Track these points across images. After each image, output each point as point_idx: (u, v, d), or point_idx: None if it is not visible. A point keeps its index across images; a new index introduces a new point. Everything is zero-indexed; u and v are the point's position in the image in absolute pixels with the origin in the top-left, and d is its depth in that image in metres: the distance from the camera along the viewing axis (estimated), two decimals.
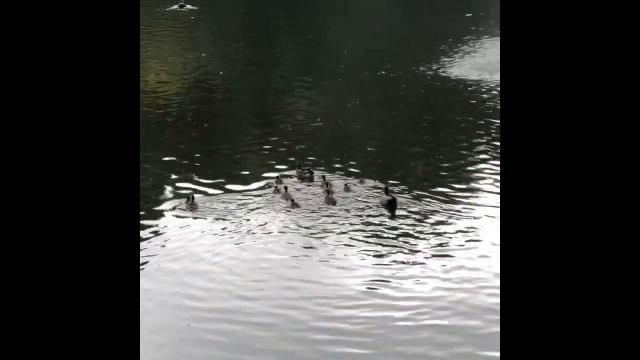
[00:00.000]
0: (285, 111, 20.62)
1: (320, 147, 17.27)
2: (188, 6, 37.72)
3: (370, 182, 14.97)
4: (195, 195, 14.12)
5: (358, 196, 14.37)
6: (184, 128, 18.88)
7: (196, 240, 12.66)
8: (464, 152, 16.80)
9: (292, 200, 13.87)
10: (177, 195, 14.43)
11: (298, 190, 14.63)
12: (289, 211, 13.68)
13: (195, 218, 13.40)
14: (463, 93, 21.63)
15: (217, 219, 13.38)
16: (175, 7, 37.67)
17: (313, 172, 15.20)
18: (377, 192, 14.50)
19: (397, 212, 13.61)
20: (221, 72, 24.90)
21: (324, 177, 14.94)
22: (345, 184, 14.63)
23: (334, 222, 13.31)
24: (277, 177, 15.00)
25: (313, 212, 13.73)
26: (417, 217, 13.55)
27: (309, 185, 14.87)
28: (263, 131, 18.57)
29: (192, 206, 13.68)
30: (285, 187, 14.40)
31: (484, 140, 17.30)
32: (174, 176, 15.48)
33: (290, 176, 15.30)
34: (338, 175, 15.47)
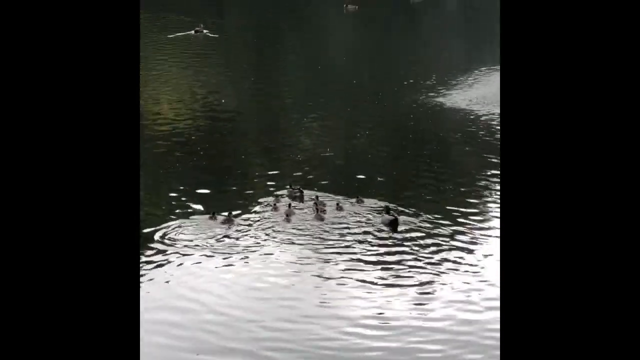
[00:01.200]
0: (296, 141, 20.78)
1: (331, 177, 17.46)
2: (204, 31, 37.99)
3: (369, 202, 15.39)
4: (198, 221, 14.46)
5: (351, 215, 14.83)
6: (194, 157, 19.03)
7: (194, 268, 12.76)
8: (471, 182, 16.91)
9: (287, 215, 14.58)
10: (183, 219, 14.59)
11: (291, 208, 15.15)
12: (284, 222, 14.43)
13: (186, 246, 13.52)
14: (470, 124, 21.73)
15: (216, 246, 13.52)
16: (192, 32, 37.93)
17: (303, 192, 15.86)
18: (373, 211, 14.96)
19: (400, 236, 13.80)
20: (223, 100, 25.13)
21: (316, 196, 15.49)
22: (337, 203, 15.19)
23: (335, 244, 13.58)
24: (276, 196, 15.69)
25: (311, 234, 13.99)
26: (420, 240, 13.77)
27: (300, 203, 15.45)
28: (273, 161, 18.70)
29: (229, 222, 14.38)
30: (289, 205, 15.06)
31: (491, 173, 17.36)
32: (181, 204, 15.59)
33: (281, 195, 15.83)
34: (333, 196, 15.86)
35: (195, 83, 28.37)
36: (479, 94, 24.81)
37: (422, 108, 23.60)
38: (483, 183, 16.86)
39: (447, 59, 32.30)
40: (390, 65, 31.54)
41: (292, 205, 15.12)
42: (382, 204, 15.29)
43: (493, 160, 18.23)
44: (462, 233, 14.14)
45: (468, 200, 15.91)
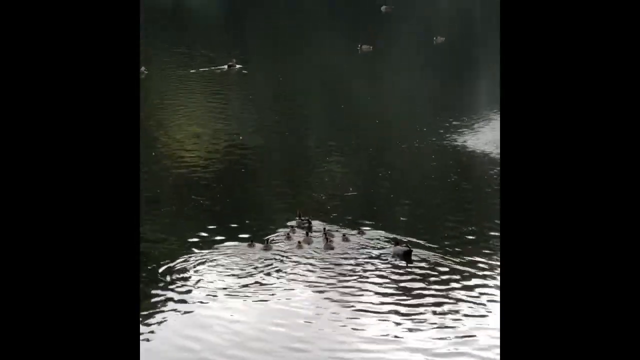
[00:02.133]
0: (318, 180, 21.06)
1: (354, 216, 17.70)
2: (237, 66, 38.68)
3: (373, 234, 16.09)
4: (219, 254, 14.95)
5: (358, 246, 15.53)
6: (217, 194, 19.39)
7: (201, 307, 13.05)
8: (491, 227, 17.17)
9: (299, 242, 15.53)
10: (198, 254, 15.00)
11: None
12: (297, 248, 15.41)
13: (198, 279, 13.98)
14: (491, 165, 21.93)
15: (231, 276, 14.05)
16: (224, 67, 38.63)
17: (311, 222, 16.69)
18: (379, 243, 15.64)
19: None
20: (241, 137, 25.33)
21: (324, 228, 16.28)
22: (344, 234, 15.99)
23: (347, 280, 13.99)
24: (291, 227, 16.57)
25: (323, 268, 14.53)
26: (436, 277, 14.15)
27: (309, 232, 16.23)
28: (297, 199, 18.99)
29: (268, 248, 15.35)
30: (307, 232, 16.01)
31: None
32: (200, 238, 16.11)
33: (291, 226, 16.57)
34: (337, 227, 16.62)
35: (218, 118, 28.81)
36: (494, 136, 24.96)
37: (443, 149, 23.82)
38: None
39: (468, 99, 32.57)
40: (410, 105, 31.79)
41: (310, 234, 15.96)
42: (382, 234, 16.06)
43: None
44: (480, 269, 14.46)
45: (487, 243, 16.18)
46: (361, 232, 16.19)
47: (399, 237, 15.79)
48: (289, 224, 16.80)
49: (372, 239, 15.93)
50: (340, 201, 18.94)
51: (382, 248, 15.44)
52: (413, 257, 14.86)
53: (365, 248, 15.47)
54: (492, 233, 16.60)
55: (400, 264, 14.67)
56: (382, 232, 16.27)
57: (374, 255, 15.09)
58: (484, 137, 25.04)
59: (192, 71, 38.10)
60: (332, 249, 15.39)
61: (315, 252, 15.26)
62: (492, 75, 38.90)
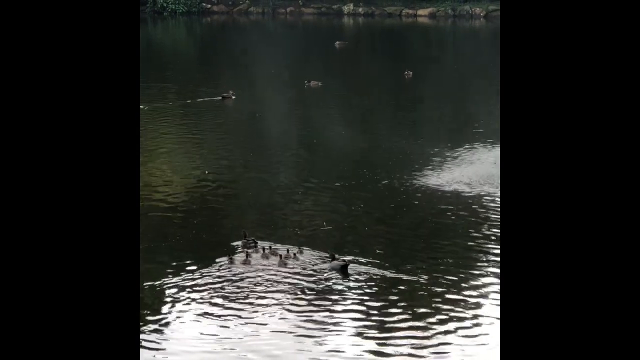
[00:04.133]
0: (291, 215, 21.22)
1: (329, 248, 17.85)
2: (233, 97, 38.86)
3: (308, 253, 17.01)
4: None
5: (304, 263, 16.54)
6: (191, 229, 19.55)
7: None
8: (465, 263, 17.40)
9: (245, 256, 16.46)
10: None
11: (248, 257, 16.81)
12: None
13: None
14: (462, 202, 22.12)
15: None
16: (218, 98, 38.78)
17: (257, 242, 17.38)
18: (315, 259, 16.69)
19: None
20: (207, 172, 25.39)
21: (270, 246, 17.08)
22: (294, 253, 16.85)
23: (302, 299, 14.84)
24: (247, 245, 17.51)
25: (281, 291, 15.30)
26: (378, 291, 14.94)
27: (255, 253, 17.10)
28: (269, 235, 19.06)
29: (247, 261, 16.36)
30: (264, 250, 16.90)
31: (480, 249, 17.96)
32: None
33: (236, 246, 17.27)
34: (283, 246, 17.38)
35: (194, 154, 28.90)
36: (465, 174, 25.05)
37: (411, 186, 23.82)
38: (476, 255, 17.42)
39: (438, 135, 32.75)
40: (378, 142, 31.75)
41: (267, 251, 16.86)
42: (317, 253, 16.99)
43: (482, 233, 18.86)
44: (461, 298, 14.91)
45: (464, 273, 16.49)
46: (300, 252, 17.05)
47: (336, 254, 16.67)
48: (234, 244, 17.58)
49: (312, 256, 17.01)
50: (315, 235, 19.20)
51: (324, 262, 16.52)
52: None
53: (310, 264, 16.50)
54: (468, 265, 17.02)
55: (348, 284, 15.46)
56: (317, 251, 17.23)
57: (317, 270, 16.18)
58: (456, 173, 25.08)
59: (188, 101, 38.24)
60: (286, 265, 16.34)
61: (272, 269, 16.23)
62: (465, 109, 39.29)
